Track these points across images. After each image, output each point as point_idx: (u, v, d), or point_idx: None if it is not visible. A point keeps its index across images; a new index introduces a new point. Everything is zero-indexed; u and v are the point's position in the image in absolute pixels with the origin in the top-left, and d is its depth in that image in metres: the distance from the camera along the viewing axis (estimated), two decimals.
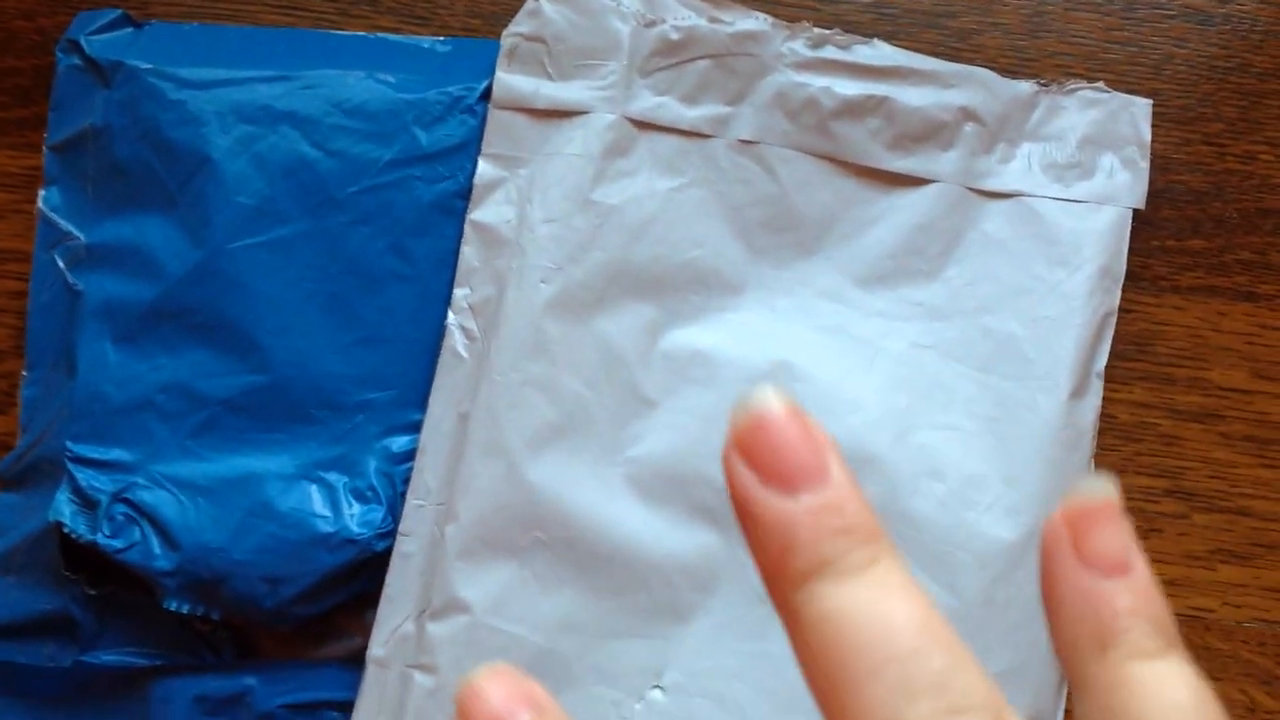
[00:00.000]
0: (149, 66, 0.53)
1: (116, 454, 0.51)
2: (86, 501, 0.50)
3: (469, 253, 0.51)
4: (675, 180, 0.51)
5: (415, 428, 0.51)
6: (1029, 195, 0.53)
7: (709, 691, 0.49)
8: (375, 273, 0.51)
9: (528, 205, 0.51)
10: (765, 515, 0.25)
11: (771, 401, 0.25)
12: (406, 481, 0.51)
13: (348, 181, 0.52)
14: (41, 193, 0.54)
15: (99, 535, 0.49)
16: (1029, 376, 0.51)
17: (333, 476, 0.50)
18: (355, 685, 0.50)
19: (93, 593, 0.50)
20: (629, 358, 0.50)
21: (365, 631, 0.51)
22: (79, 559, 0.50)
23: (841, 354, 0.51)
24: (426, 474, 0.50)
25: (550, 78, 0.52)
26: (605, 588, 0.49)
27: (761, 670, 0.49)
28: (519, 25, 0.52)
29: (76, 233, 0.53)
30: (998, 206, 0.53)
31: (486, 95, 0.53)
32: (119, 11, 0.55)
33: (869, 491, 0.50)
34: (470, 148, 0.52)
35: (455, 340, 0.51)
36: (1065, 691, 0.51)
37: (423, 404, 0.51)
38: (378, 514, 0.50)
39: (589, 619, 0.49)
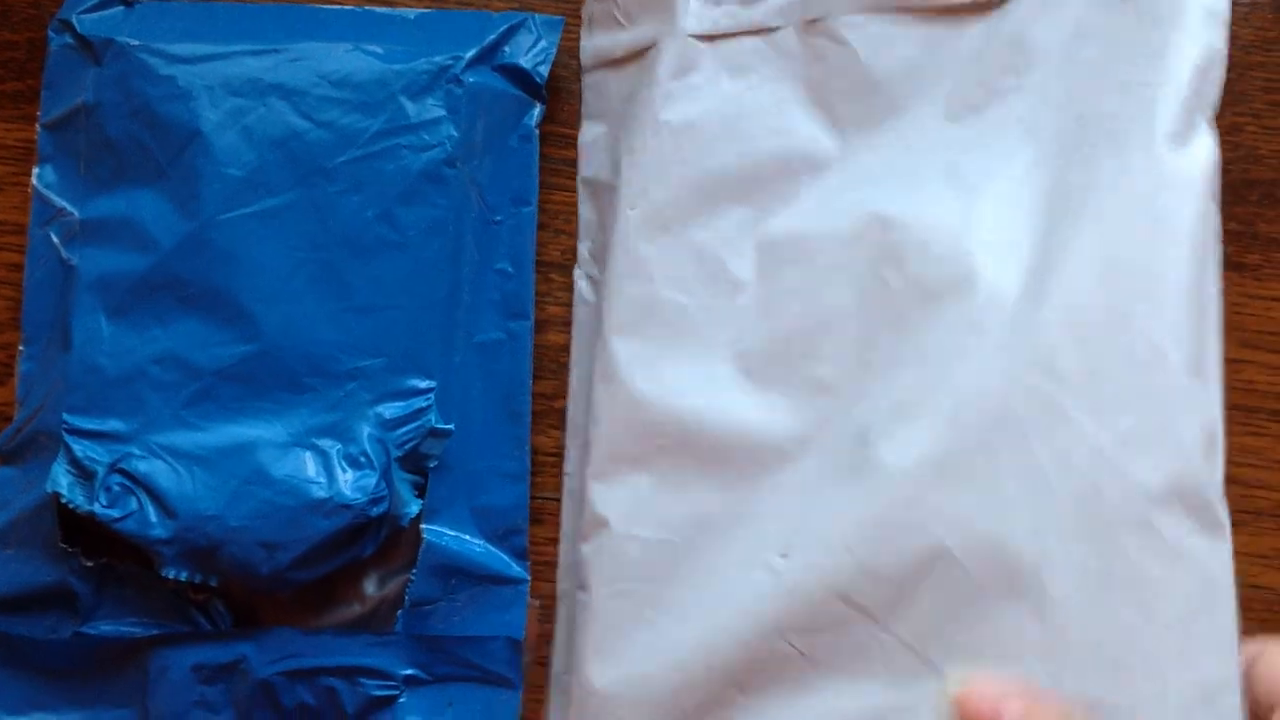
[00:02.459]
0: (139, 43, 0.53)
1: (112, 425, 0.51)
2: (83, 472, 0.50)
3: (584, 210, 0.55)
4: (748, 80, 0.53)
5: (408, 394, 0.51)
6: None
7: (820, 541, 0.48)
8: (365, 241, 0.52)
9: (616, 146, 0.53)
10: None
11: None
12: (400, 447, 0.51)
13: (336, 151, 0.52)
14: (35, 170, 0.55)
15: (96, 505, 0.49)
16: (1126, 138, 0.47)
17: (326, 443, 0.50)
18: (350, 651, 0.50)
19: (90, 564, 0.51)
20: (724, 257, 0.52)
21: (364, 599, 0.51)
22: (77, 530, 0.51)
23: (941, 196, 0.50)
24: (577, 415, 0.53)
25: (624, 27, 0.54)
26: (727, 478, 0.50)
27: (860, 503, 0.47)
28: None
29: (70, 209, 0.53)
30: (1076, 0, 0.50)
31: (472, 64, 0.53)
32: None
33: (961, 311, 0.48)
34: (456, 116, 0.53)
35: (582, 289, 0.54)
36: (1220, 447, 0.46)
37: (415, 370, 0.52)
38: (371, 480, 0.50)
39: (715, 510, 0.50)
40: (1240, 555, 0.51)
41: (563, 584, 0.53)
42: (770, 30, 0.53)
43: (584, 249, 0.54)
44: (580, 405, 0.53)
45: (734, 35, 0.53)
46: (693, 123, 0.52)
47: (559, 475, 0.55)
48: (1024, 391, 0.46)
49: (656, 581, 0.50)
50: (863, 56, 0.52)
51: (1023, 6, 0.50)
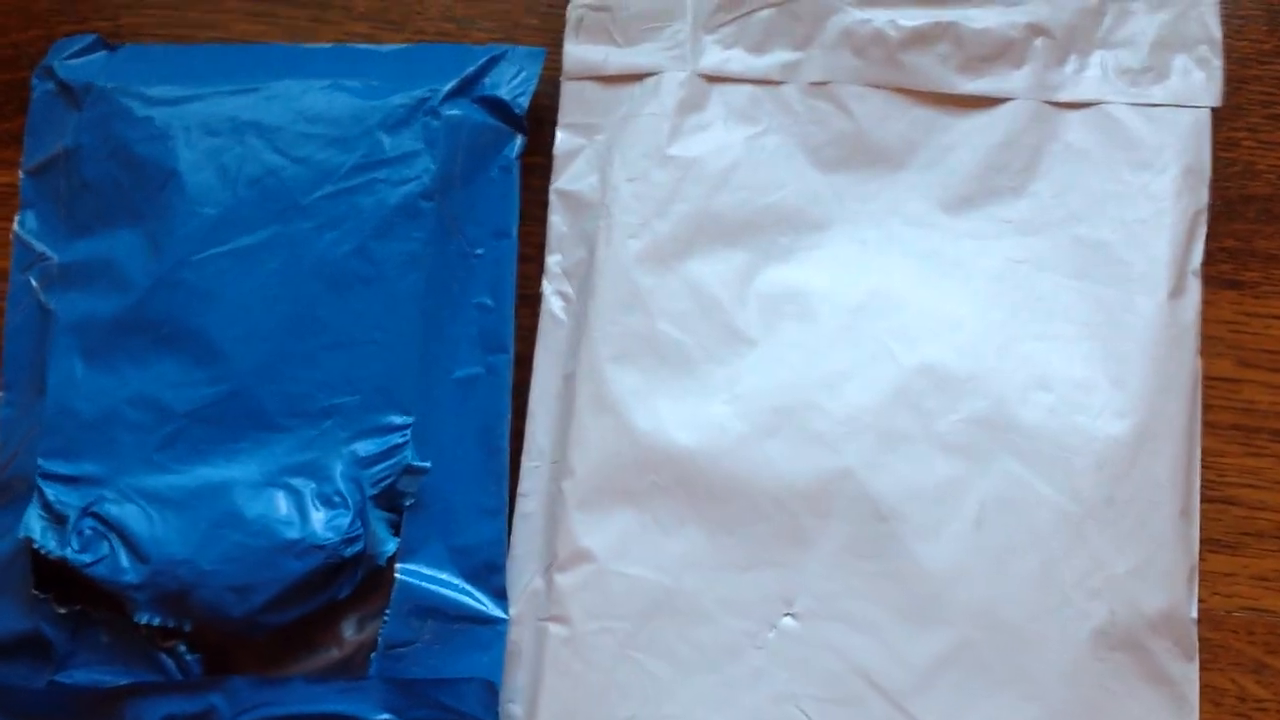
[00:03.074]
0: (118, 86, 0.53)
1: (86, 468, 0.50)
2: (56, 517, 0.49)
3: (556, 220, 0.53)
4: (751, 128, 0.53)
5: (384, 431, 0.51)
6: (1106, 103, 0.53)
7: (839, 613, 0.49)
8: (340, 277, 0.51)
9: (609, 168, 0.52)
10: None
11: None
12: (376, 485, 0.50)
13: (312, 187, 0.51)
14: (17, 217, 0.54)
15: (68, 550, 0.49)
16: (1126, 279, 0.51)
17: (299, 483, 0.50)
18: (322, 698, 0.49)
19: (63, 611, 0.50)
20: (723, 300, 0.51)
21: (343, 643, 0.50)
22: (52, 577, 0.50)
23: (935, 277, 0.52)
24: (538, 436, 0.52)
25: (618, 45, 0.54)
26: (725, 522, 0.50)
27: (888, 587, 0.49)
28: None
29: (50, 253, 0.53)
30: (1076, 117, 0.53)
31: (450, 96, 0.53)
32: (94, 36, 0.55)
33: (976, 407, 0.50)
34: (434, 149, 0.52)
35: (552, 305, 0.53)
36: (1196, 580, 0.50)
37: (391, 407, 0.51)
38: (345, 519, 0.49)
39: (712, 554, 0.50)
40: (1243, 578, 0.50)
41: (514, 609, 0.51)
42: (774, 84, 0.53)
43: (554, 261, 0.53)
44: (545, 426, 0.52)
45: (739, 81, 0.53)
46: (698, 161, 0.52)
47: None
48: (1049, 509, 0.49)
49: (644, 621, 0.49)
50: (862, 126, 0.53)
51: (1015, 114, 0.53)
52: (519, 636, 0.51)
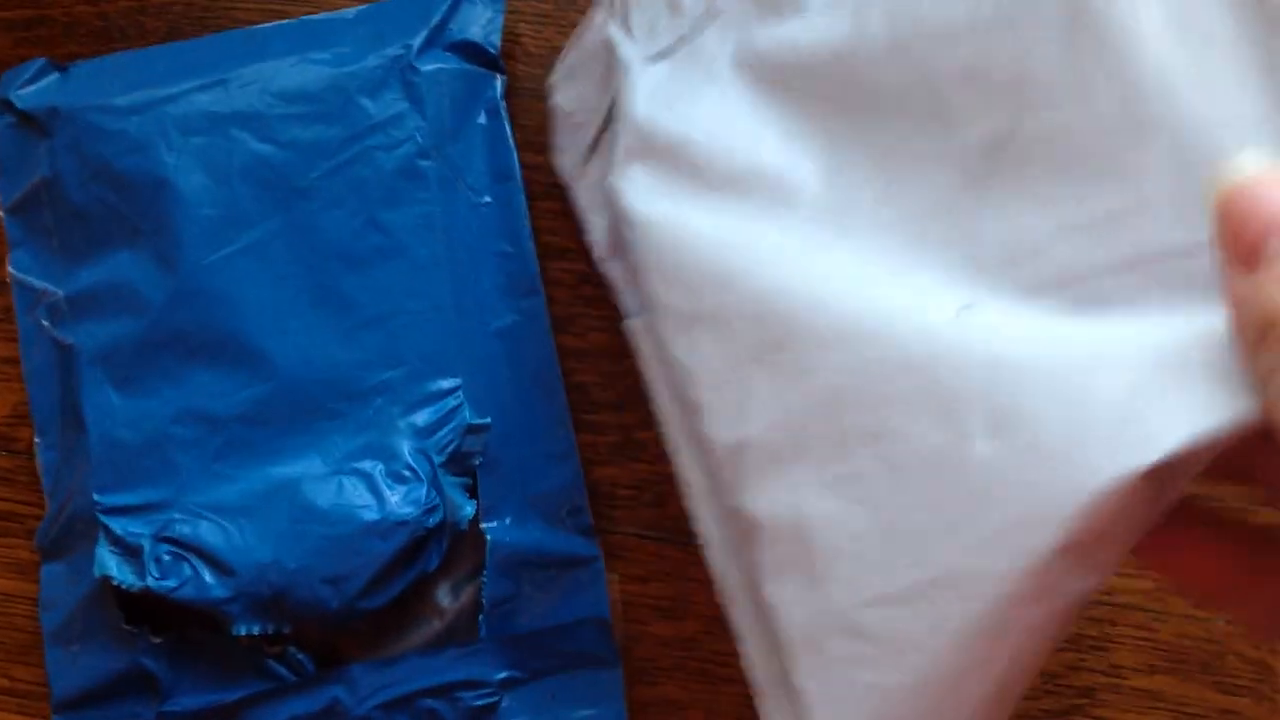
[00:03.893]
0: (83, 104, 0.51)
1: (146, 495, 0.50)
2: (128, 549, 0.49)
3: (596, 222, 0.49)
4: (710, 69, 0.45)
5: (436, 397, 0.50)
6: None
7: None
8: (358, 253, 0.50)
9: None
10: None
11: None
12: (442, 451, 0.50)
13: (308, 168, 0.50)
14: (10, 257, 0.53)
15: (149, 579, 0.48)
16: None
17: (367, 465, 0.49)
18: (440, 669, 0.50)
19: (158, 640, 0.49)
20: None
21: (442, 613, 0.50)
22: (137, 609, 0.49)
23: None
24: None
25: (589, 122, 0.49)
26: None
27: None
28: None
29: (53, 289, 0.52)
30: None
31: (423, 49, 0.51)
32: (42, 60, 0.54)
33: None
34: (420, 105, 0.51)
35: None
36: None
37: (437, 372, 0.50)
38: (420, 491, 0.49)
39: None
40: None
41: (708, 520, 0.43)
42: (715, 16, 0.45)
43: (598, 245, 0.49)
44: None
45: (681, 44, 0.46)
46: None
47: (635, 509, 0.52)
48: None
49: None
50: None
51: None
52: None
